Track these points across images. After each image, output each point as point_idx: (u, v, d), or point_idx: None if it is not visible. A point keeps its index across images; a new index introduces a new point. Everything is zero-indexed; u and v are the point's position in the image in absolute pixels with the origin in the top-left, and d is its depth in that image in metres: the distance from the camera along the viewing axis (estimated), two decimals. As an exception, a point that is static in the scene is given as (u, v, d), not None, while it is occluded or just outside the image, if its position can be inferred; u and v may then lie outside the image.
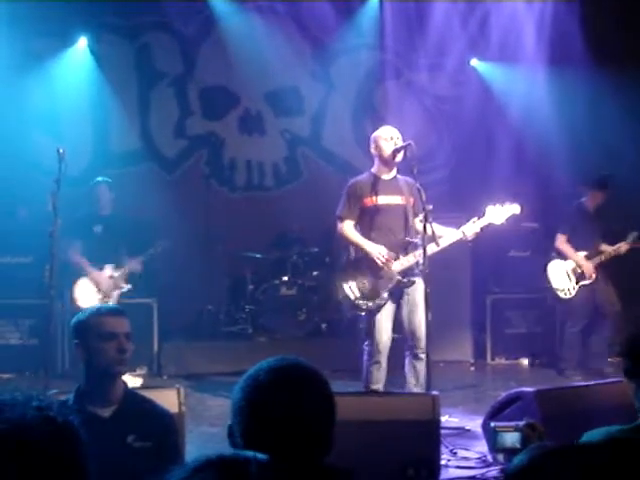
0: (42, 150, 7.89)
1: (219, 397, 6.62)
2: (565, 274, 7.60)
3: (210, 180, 9.30)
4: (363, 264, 5.70)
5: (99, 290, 7.21)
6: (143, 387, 3.62)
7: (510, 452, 2.66)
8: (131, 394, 3.15)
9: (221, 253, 8.56)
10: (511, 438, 2.60)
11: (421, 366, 5.59)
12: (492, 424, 2.72)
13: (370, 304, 5.64)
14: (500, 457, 3.02)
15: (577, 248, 7.60)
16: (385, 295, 5.63)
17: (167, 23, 9.10)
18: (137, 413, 3.06)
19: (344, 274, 5.77)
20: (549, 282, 7.65)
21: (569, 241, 7.62)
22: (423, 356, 5.61)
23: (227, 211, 9.09)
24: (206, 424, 5.80)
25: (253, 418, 1.79)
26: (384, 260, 5.59)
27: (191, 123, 9.39)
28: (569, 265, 7.59)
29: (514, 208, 5.73)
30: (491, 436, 2.61)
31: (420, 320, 5.54)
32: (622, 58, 8.27)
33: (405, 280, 5.62)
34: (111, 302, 7.01)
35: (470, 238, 5.65)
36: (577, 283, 7.56)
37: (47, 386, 5.62)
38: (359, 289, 5.67)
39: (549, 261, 7.66)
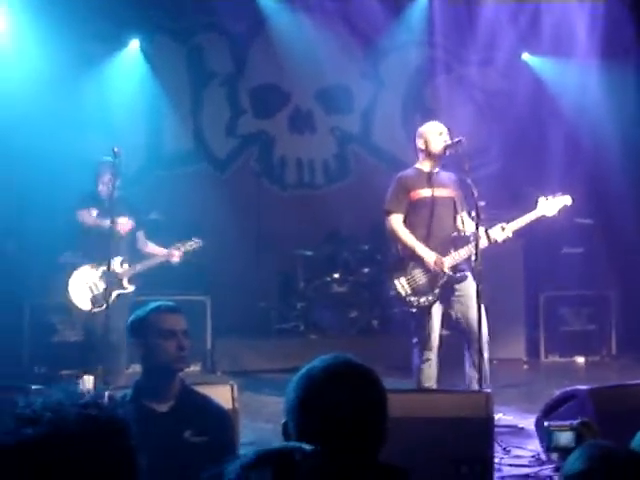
0: (97, 150, 8.02)
1: (272, 394, 6.66)
2: None
3: (261, 178, 9.37)
4: (413, 259, 5.66)
5: (92, 288, 6.29)
6: (197, 383, 3.66)
7: (565, 451, 2.62)
8: (187, 390, 3.20)
9: (272, 250, 8.62)
10: (566, 437, 2.56)
11: (482, 362, 5.54)
12: (546, 423, 2.69)
13: (422, 300, 5.58)
14: (554, 456, 2.98)
15: None
16: (436, 291, 5.58)
17: (217, 23, 9.19)
18: (193, 409, 3.11)
19: (394, 270, 5.71)
20: None
21: None
22: (483, 352, 5.57)
23: (278, 209, 9.14)
24: (260, 420, 5.84)
25: (306, 415, 1.82)
26: (439, 270, 5.55)
27: (242, 122, 9.47)
28: None
29: (566, 199, 5.62)
30: (545, 435, 2.57)
31: (476, 316, 5.49)
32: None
33: (457, 275, 5.58)
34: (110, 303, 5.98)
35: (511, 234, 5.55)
36: None
37: (107, 382, 5.75)
38: (410, 285, 5.62)
39: None
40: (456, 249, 5.59)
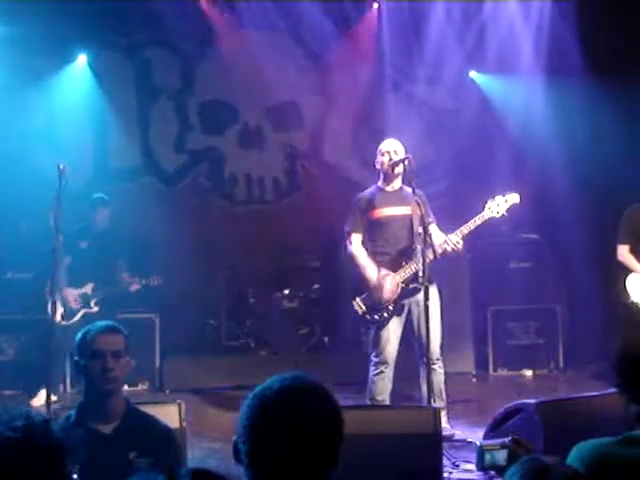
0: (43, 166, 7.91)
1: (221, 412, 6.61)
2: None
3: (211, 194, 9.34)
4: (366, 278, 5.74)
5: (64, 307, 7.24)
6: (144, 402, 3.61)
7: (496, 469, 2.64)
8: (132, 410, 3.16)
9: (222, 267, 8.57)
10: (497, 456, 2.57)
11: (435, 377, 5.58)
12: (478, 442, 2.71)
13: (376, 317, 5.68)
14: (492, 472, 3.00)
15: None
16: (391, 307, 5.66)
17: (166, 39, 9.14)
18: (139, 429, 3.06)
19: (353, 290, 5.82)
20: (628, 297, 6.82)
21: (633, 251, 6.86)
22: (436, 367, 5.62)
23: (228, 225, 9.10)
24: (208, 439, 5.77)
25: (259, 437, 1.79)
26: (379, 295, 5.66)
27: (191, 138, 9.42)
28: None
29: (513, 197, 5.66)
30: (477, 454, 2.58)
31: (430, 330, 5.51)
32: (619, 66, 8.30)
33: (410, 287, 5.63)
34: (74, 320, 7.15)
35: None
36: None
37: (49, 402, 5.65)
38: (364, 303, 5.70)
39: (627, 275, 6.84)
40: (407, 263, 5.66)
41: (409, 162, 5.59)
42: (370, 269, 5.73)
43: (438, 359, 5.70)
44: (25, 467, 1.30)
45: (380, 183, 5.91)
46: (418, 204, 5.45)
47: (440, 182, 9.43)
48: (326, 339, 8.47)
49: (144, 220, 8.35)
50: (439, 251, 5.53)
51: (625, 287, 6.87)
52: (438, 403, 5.48)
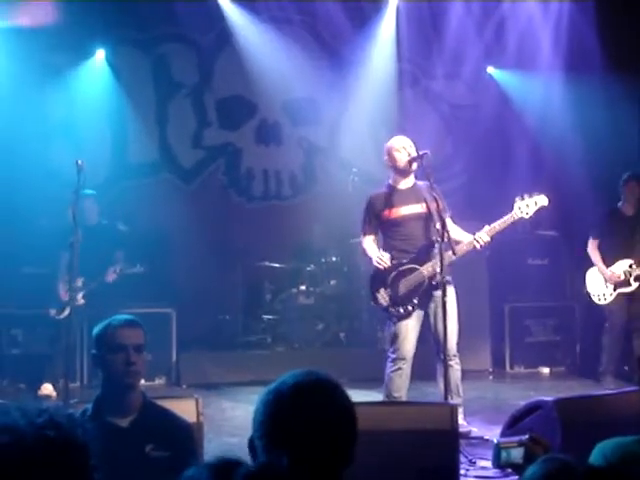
0: (61, 162, 7.95)
1: (238, 407, 6.61)
2: (602, 279, 7.34)
3: (228, 190, 9.36)
4: (391, 271, 5.72)
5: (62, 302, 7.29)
6: (161, 397, 3.62)
7: (513, 467, 2.61)
8: (149, 404, 3.16)
9: (239, 263, 8.58)
10: (514, 453, 2.54)
11: (452, 374, 5.58)
12: (495, 440, 2.69)
13: (401, 310, 5.66)
14: (509, 470, 2.97)
15: (613, 255, 7.29)
16: (415, 300, 5.65)
17: (183, 34, 9.16)
18: (155, 423, 3.06)
19: (375, 281, 5.79)
20: (585, 286, 7.46)
21: (600, 247, 7.37)
22: (453, 363, 5.61)
23: (245, 221, 9.11)
24: (225, 434, 5.79)
25: (275, 431, 1.79)
26: (383, 265, 5.66)
27: (208, 133, 9.43)
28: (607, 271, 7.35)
29: (542, 200, 5.61)
30: (494, 451, 2.56)
31: (447, 327, 5.48)
32: (637, 63, 8.24)
33: (434, 283, 5.62)
34: (65, 314, 7.07)
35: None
36: (615, 290, 7.28)
37: (67, 396, 5.68)
38: (390, 296, 5.68)
39: (590, 267, 7.43)
40: (429, 262, 5.64)
41: (427, 158, 5.57)
42: (374, 251, 5.80)
43: (455, 355, 5.69)
44: (54, 465, 1.30)
45: (393, 181, 5.86)
46: (435, 199, 5.43)
47: (458, 178, 9.42)
48: (342, 335, 8.46)
49: (161, 215, 8.39)
50: (465, 249, 5.55)
51: (585, 277, 7.47)
52: (455, 400, 5.47)
